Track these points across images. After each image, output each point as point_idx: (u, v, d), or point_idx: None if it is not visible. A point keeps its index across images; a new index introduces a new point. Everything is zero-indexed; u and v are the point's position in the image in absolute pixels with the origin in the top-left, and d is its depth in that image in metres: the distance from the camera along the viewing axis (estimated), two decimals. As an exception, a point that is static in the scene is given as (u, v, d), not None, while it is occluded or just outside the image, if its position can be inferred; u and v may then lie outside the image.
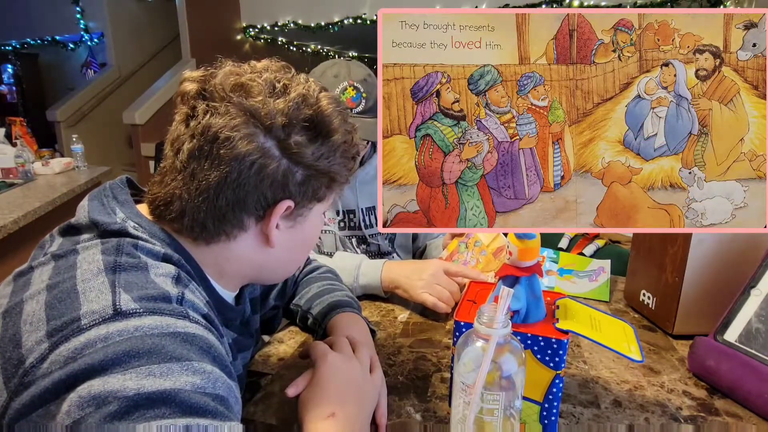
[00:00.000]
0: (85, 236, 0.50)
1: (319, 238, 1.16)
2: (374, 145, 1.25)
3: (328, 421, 0.53)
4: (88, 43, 5.61)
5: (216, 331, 0.49)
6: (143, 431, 0.36)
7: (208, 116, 0.50)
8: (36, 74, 5.98)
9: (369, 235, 1.20)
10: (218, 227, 0.52)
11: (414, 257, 1.35)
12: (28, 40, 5.86)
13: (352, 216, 1.19)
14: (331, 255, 1.15)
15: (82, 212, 0.52)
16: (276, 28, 4.87)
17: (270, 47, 5.27)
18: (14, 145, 2.73)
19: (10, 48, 5.87)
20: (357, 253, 1.19)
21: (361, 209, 1.20)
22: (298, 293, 0.86)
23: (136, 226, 0.52)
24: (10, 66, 5.79)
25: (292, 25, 4.76)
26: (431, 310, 0.92)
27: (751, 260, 0.75)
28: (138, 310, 0.42)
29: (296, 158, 0.52)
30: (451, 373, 0.57)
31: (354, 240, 1.20)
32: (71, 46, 5.78)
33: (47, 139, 4.49)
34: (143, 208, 0.55)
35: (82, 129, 4.68)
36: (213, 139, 0.49)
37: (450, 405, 0.60)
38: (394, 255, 1.25)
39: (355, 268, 1.00)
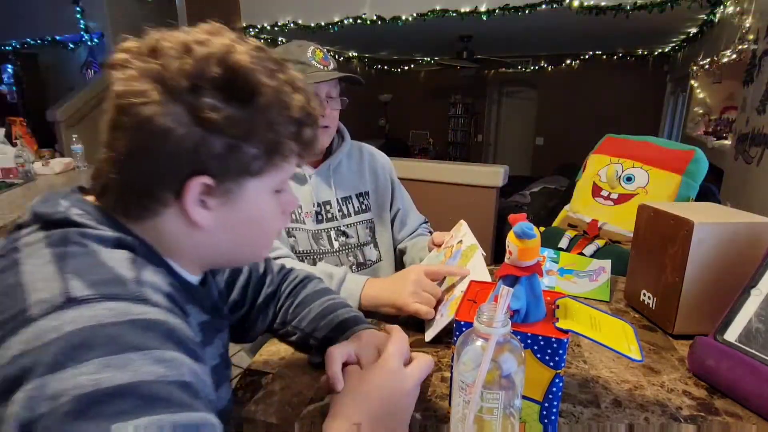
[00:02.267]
0: (26, 231, 0.47)
1: (294, 236, 1.13)
2: (342, 136, 1.26)
3: (352, 428, 0.51)
4: (88, 43, 5.60)
5: (180, 311, 0.46)
6: None
7: (116, 84, 0.46)
8: (36, 74, 5.97)
9: (344, 225, 1.20)
10: (137, 202, 0.49)
11: (394, 251, 1.32)
12: (28, 40, 5.86)
13: (328, 207, 1.19)
14: (305, 254, 1.13)
15: (27, 209, 0.49)
16: (276, 28, 4.87)
17: (270, 47, 5.27)
18: (14, 145, 2.74)
19: (10, 48, 5.86)
20: (332, 248, 1.17)
21: (337, 199, 1.20)
22: (296, 314, 0.78)
23: (82, 213, 0.48)
24: (10, 66, 5.78)
25: (292, 25, 4.76)
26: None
27: (751, 260, 0.76)
28: (92, 296, 0.39)
29: (210, 125, 0.46)
30: (451, 373, 0.57)
31: (332, 232, 1.18)
32: (71, 46, 5.78)
33: (47, 139, 4.48)
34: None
35: (82, 129, 4.68)
36: (119, 108, 0.46)
37: (450, 404, 0.60)
38: (372, 245, 1.24)
39: (338, 282, 0.95)
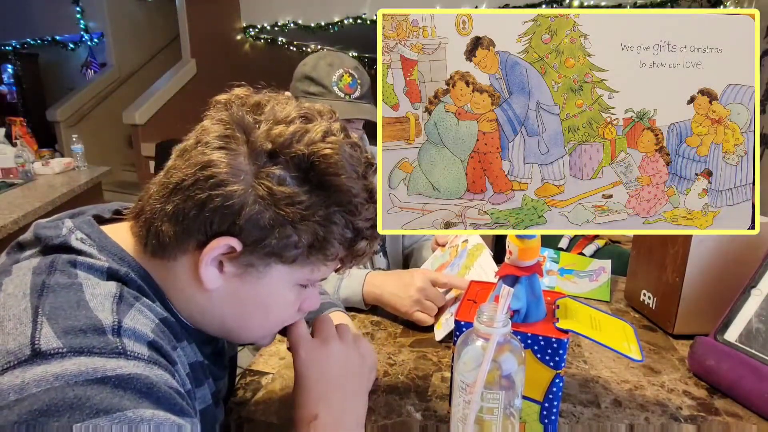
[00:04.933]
0: (27, 253, 0.45)
1: None
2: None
3: (310, 426, 0.50)
4: (88, 43, 5.61)
5: (165, 358, 0.42)
6: None
7: (207, 118, 0.47)
8: (36, 74, 5.97)
9: None
10: (160, 237, 0.46)
11: (402, 258, 1.33)
12: (28, 40, 5.86)
13: None
14: None
15: (31, 227, 0.47)
16: (276, 28, 4.87)
17: (270, 47, 5.26)
18: (14, 145, 2.74)
19: (10, 48, 5.87)
20: None
21: None
22: None
23: (84, 238, 0.46)
24: (10, 66, 5.78)
25: (292, 25, 4.76)
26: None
27: (751, 260, 0.76)
28: (60, 350, 0.35)
29: (267, 194, 0.44)
30: (452, 373, 0.57)
31: None
32: (71, 46, 5.78)
33: (47, 139, 4.49)
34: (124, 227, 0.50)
35: (82, 129, 4.69)
36: (197, 140, 0.46)
37: (450, 404, 0.60)
38: (381, 254, 1.24)
39: (337, 279, 0.95)
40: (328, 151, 0.45)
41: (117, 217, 0.54)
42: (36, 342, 0.36)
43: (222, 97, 0.49)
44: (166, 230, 0.45)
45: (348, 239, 0.49)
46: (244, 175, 0.44)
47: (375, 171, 0.51)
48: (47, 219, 0.49)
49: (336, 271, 0.54)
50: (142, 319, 0.43)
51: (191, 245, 0.46)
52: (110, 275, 0.44)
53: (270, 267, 0.48)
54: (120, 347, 0.38)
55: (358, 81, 1.09)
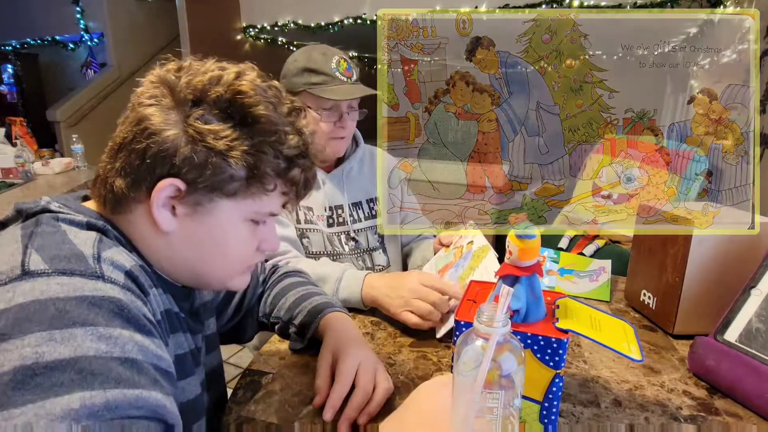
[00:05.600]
0: (10, 227, 0.50)
1: (308, 237, 1.15)
2: (356, 141, 1.27)
3: None
4: (88, 43, 5.60)
5: (140, 290, 0.47)
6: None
7: (139, 86, 0.53)
8: (36, 74, 5.97)
9: (354, 230, 1.20)
10: (114, 192, 0.51)
11: (401, 255, 1.33)
12: (28, 40, 5.86)
13: (340, 212, 1.20)
14: (319, 255, 1.15)
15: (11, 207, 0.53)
16: (276, 28, 4.87)
17: (270, 47, 5.26)
18: (14, 145, 2.74)
19: (10, 48, 5.86)
20: (344, 250, 1.19)
21: (349, 204, 1.21)
22: (274, 305, 0.81)
23: (60, 205, 0.51)
24: (10, 66, 5.78)
25: (292, 25, 4.76)
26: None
27: (751, 260, 0.76)
28: (46, 270, 0.41)
29: (195, 133, 0.50)
30: (452, 373, 0.57)
31: (342, 236, 1.19)
32: (71, 46, 5.78)
33: (47, 139, 4.48)
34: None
35: (82, 129, 4.68)
36: (132, 105, 0.52)
37: (450, 404, 0.60)
38: (381, 251, 1.25)
39: (336, 280, 0.96)
40: (243, 87, 0.51)
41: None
42: (26, 264, 0.42)
43: (152, 72, 0.54)
44: (119, 185, 0.51)
45: (282, 169, 0.54)
46: (174, 122, 0.50)
47: (301, 114, 0.57)
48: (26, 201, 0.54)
49: (283, 206, 0.58)
50: (121, 255, 0.48)
51: (142, 194, 0.51)
52: (89, 227, 0.50)
53: (215, 202, 0.53)
54: (99, 271, 0.44)
55: (352, 65, 1.13)
